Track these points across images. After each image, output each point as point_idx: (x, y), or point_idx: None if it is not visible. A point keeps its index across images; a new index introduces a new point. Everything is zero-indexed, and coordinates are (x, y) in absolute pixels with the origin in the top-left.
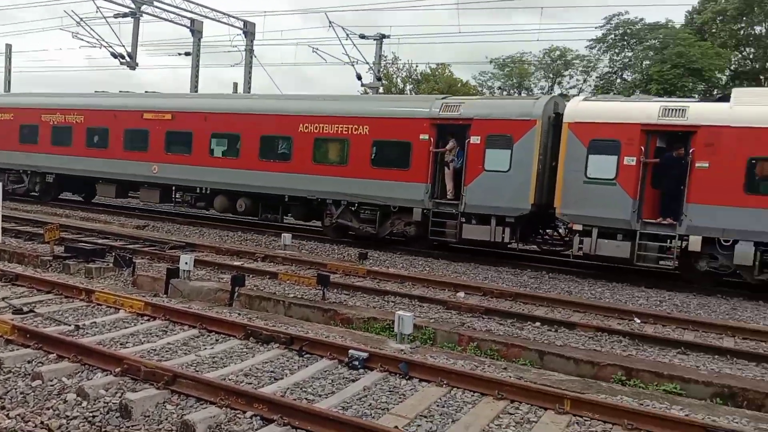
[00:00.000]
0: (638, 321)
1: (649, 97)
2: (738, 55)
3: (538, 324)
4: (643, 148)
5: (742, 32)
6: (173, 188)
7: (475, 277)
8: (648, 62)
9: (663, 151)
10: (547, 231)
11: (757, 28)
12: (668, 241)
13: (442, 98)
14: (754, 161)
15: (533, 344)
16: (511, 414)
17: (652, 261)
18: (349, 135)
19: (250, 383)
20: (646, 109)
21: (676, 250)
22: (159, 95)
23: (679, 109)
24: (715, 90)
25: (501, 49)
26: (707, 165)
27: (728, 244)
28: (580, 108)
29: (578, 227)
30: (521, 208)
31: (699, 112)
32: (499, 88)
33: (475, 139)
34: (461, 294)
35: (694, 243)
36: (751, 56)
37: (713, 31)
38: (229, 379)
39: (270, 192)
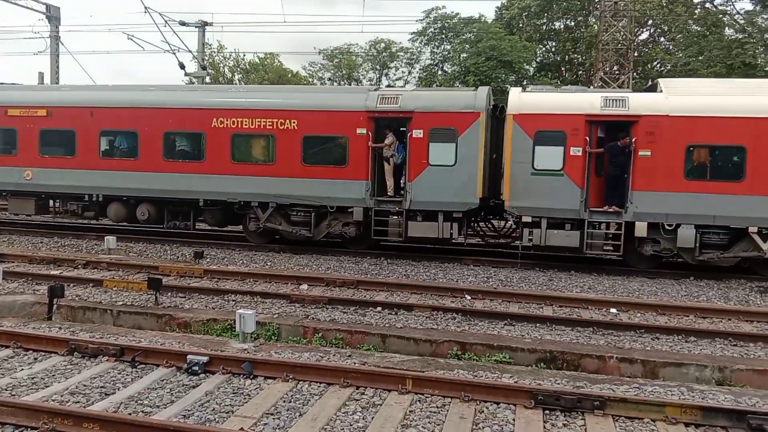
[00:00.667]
0: (469, 297)
1: (579, 88)
2: (542, 48)
3: (379, 309)
4: (587, 138)
5: (544, 27)
6: (50, 197)
7: (318, 268)
8: (465, 55)
9: (603, 141)
10: (490, 224)
11: (557, 24)
12: (614, 228)
13: (375, 89)
14: (692, 148)
15: (376, 329)
16: (357, 400)
17: (599, 248)
18: (274, 130)
19: (78, 402)
20: (590, 100)
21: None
22: (27, 87)
23: (620, 100)
24: (525, 80)
25: (328, 40)
26: (649, 153)
27: (671, 228)
28: (524, 100)
29: (527, 219)
30: (469, 202)
31: (638, 102)
32: (329, 79)
33: (417, 133)
34: (304, 286)
35: (640, 229)
36: (553, 49)
37: (520, 25)
38: (53, 400)
39: (179, 197)
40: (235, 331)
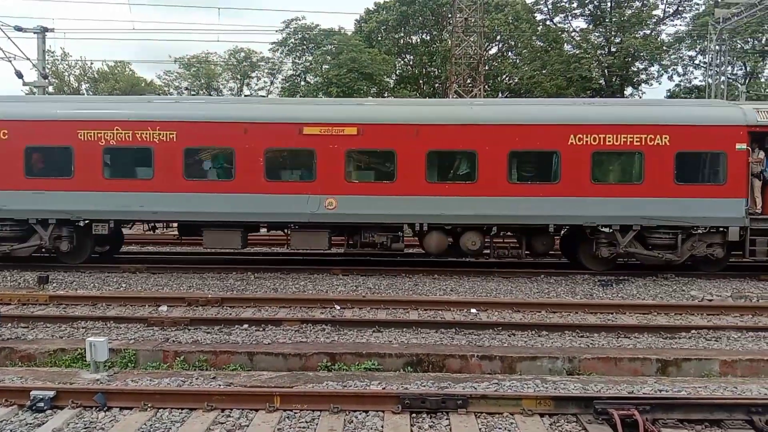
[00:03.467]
0: (338, 308)
1: None
2: (401, 61)
3: (246, 326)
4: None
5: (402, 41)
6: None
7: (179, 288)
8: (327, 66)
9: None
10: None
11: (414, 38)
12: None
13: (750, 104)
14: None
15: (242, 347)
16: (222, 423)
17: None
18: (642, 147)
19: None
20: None
21: None
22: (330, 102)
23: None
24: (386, 92)
25: (184, 48)
26: None
27: None
28: None
29: None
30: None
31: None
32: (187, 88)
33: None
34: (163, 308)
35: None
36: (411, 62)
37: (379, 38)
38: None
39: (523, 222)
40: (86, 361)
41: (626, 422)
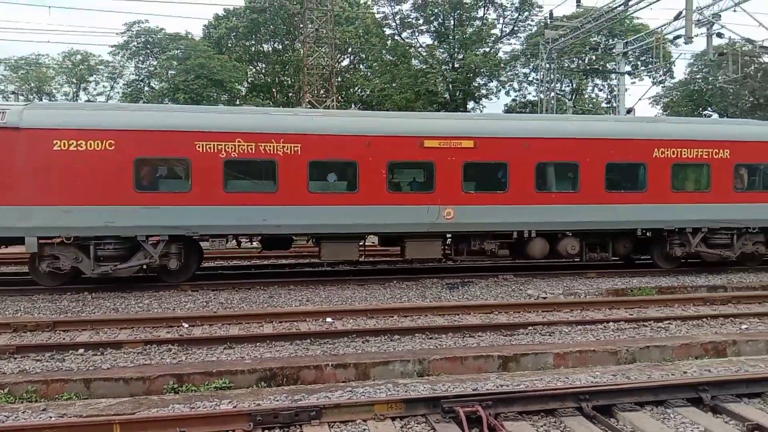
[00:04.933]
0: (186, 326)
1: None
2: (253, 69)
3: (81, 351)
4: None
5: (253, 48)
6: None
7: (3, 312)
8: (173, 72)
9: None
10: None
11: (266, 46)
12: None
13: None
14: None
15: (77, 374)
16: None
17: None
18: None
19: None
20: None
21: None
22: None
23: None
24: (237, 100)
25: (11, 49)
26: None
27: None
28: None
29: None
30: None
31: None
32: (13, 92)
33: None
34: None
35: None
36: (263, 71)
37: (229, 45)
38: None
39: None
40: None
41: (471, 418)
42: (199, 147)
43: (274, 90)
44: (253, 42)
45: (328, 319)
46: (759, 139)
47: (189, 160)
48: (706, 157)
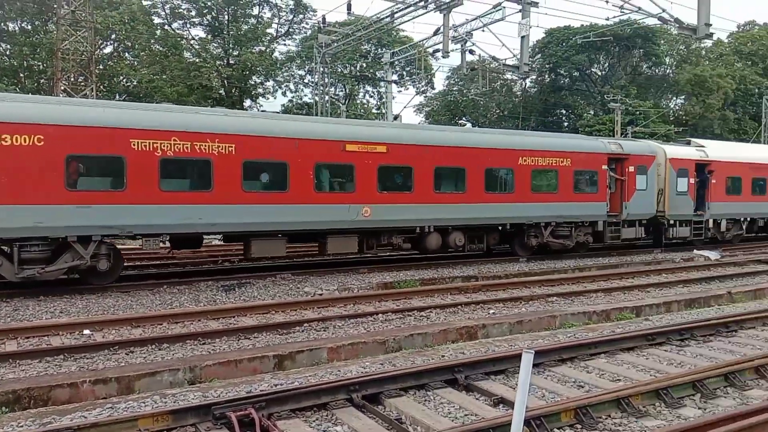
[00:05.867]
0: None
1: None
2: None
3: None
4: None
5: None
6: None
7: None
8: None
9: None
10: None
11: (11, 25)
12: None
13: (609, 141)
14: None
15: None
16: None
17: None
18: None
19: None
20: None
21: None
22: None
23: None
24: None
25: None
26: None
27: None
28: (671, 151)
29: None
30: (650, 213)
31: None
32: None
33: (631, 168)
34: None
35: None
36: (8, 53)
37: None
38: None
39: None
40: None
41: (244, 422)
42: (134, 145)
43: (21, 75)
44: None
45: (86, 331)
46: (588, 150)
47: (124, 158)
48: (555, 164)
